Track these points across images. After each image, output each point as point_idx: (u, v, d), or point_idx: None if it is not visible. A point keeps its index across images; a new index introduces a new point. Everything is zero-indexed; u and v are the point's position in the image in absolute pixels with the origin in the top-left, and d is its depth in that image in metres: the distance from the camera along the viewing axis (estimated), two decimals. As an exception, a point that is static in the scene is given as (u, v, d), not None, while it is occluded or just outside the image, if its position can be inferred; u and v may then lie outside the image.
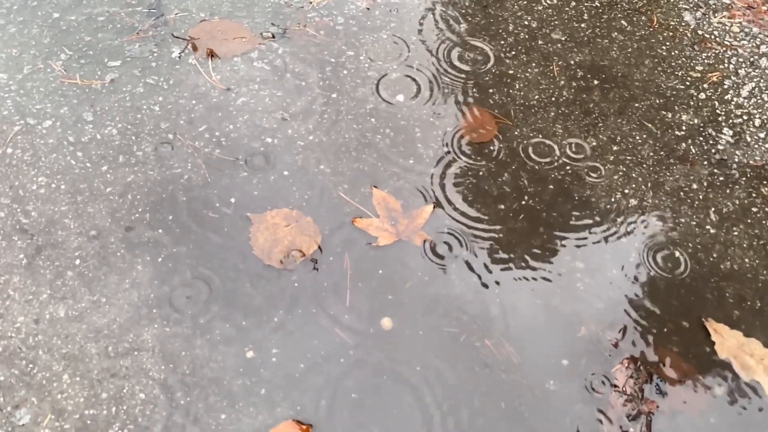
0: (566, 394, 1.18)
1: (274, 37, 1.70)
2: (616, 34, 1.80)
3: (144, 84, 1.57)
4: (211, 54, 1.65)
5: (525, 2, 1.85)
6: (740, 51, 1.78)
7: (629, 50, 1.76)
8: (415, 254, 1.34)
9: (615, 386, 1.19)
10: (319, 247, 1.33)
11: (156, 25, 1.71)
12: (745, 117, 1.63)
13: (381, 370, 1.19)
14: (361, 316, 1.25)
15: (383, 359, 1.21)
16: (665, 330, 1.27)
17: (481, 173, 1.47)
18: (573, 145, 1.52)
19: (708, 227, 1.42)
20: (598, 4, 1.88)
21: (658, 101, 1.65)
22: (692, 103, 1.65)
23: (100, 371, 1.17)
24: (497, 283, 1.31)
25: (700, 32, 1.82)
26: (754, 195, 1.48)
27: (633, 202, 1.45)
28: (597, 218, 1.42)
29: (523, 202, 1.43)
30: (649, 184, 1.48)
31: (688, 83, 1.69)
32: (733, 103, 1.66)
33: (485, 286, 1.30)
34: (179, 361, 1.19)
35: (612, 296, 1.30)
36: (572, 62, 1.71)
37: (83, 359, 1.18)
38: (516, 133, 1.55)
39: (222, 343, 1.21)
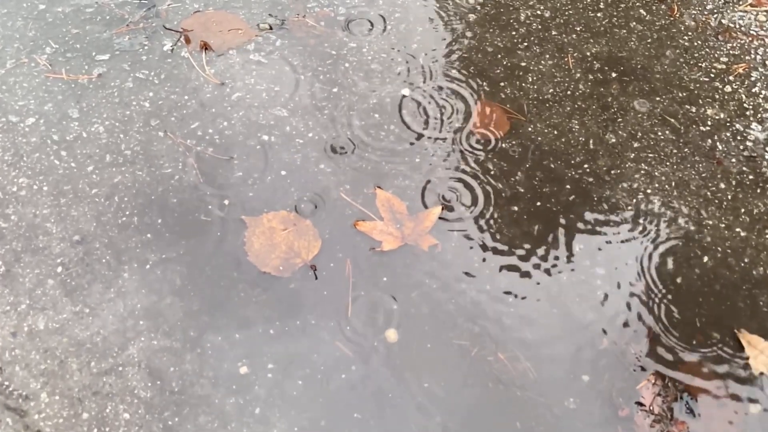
0: (587, 414, 1.09)
1: (271, 28, 1.61)
2: (634, 23, 1.69)
3: (133, 79, 1.48)
4: (205, 47, 1.55)
5: (537, -9, 1.75)
6: (767, 41, 1.68)
7: (649, 41, 1.65)
8: (423, 260, 1.24)
9: (641, 405, 1.09)
10: (319, 253, 1.24)
11: (147, 16, 1.61)
12: (774, 111, 1.53)
13: (386, 387, 1.10)
14: (364, 327, 1.16)
15: (388, 375, 1.11)
16: (694, 342, 1.17)
17: (492, 171, 1.37)
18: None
19: (738, 230, 1.32)
20: (615, -7, 1.78)
21: (680, 95, 1.54)
22: (717, 96, 1.55)
23: (82, 389, 1.08)
24: (511, 291, 1.21)
25: (723, 22, 1.72)
26: (786, 195, 1.38)
27: (656, 202, 1.35)
28: (618, 220, 1.32)
29: (539, 204, 1.33)
30: (674, 183, 1.38)
31: (712, 75, 1.59)
32: (761, 96, 1.55)
33: (498, 295, 1.20)
34: (167, 378, 1.09)
35: (636, 305, 1.20)
36: (588, 54, 1.61)
37: (63, 376, 1.09)
38: (530, 129, 1.45)
39: (213, 357, 1.12)
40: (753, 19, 1.72)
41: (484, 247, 1.26)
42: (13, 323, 1.14)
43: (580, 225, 1.31)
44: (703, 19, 1.72)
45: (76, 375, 1.09)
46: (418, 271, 1.23)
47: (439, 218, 1.29)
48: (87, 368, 1.10)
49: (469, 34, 1.63)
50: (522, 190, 1.35)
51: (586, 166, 1.40)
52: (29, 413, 1.05)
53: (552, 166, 1.39)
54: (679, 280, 1.24)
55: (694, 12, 1.74)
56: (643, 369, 1.13)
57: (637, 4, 1.75)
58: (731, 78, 1.59)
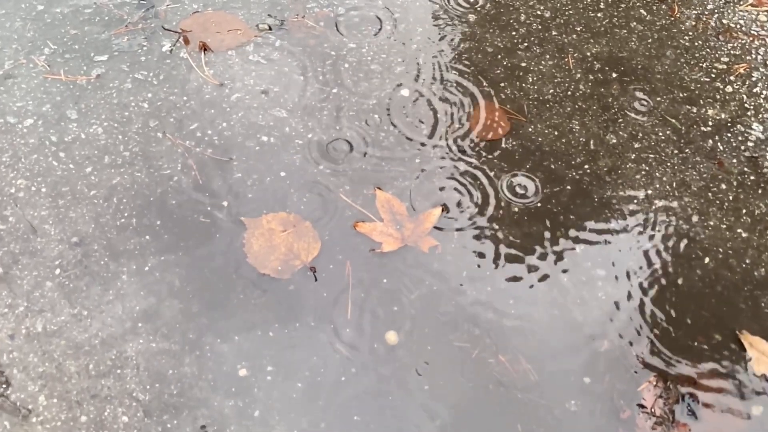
0: (589, 416, 1.08)
1: (270, 29, 1.60)
2: (634, 23, 1.69)
3: (132, 80, 1.48)
4: (204, 47, 1.55)
5: (537, -9, 1.74)
6: (768, 41, 1.67)
7: (649, 41, 1.65)
8: (423, 261, 1.23)
9: (642, 407, 1.08)
10: (319, 254, 1.23)
11: (146, 17, 1.61)
12: (775, 111, 1.52)
13: (386, 390, 1.09)
14: (364, 329, 1.15)
15: (388, 377, 1.11)
16: (696, 344, 1.16)
17: (492, 172, 1.37)
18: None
19: (740, 231, 1.31)
20: (615, -7, 1.77)
21: (681, 95, 1.54)
22: (718, 96, 1.54)
23: (80, 392, 1.07)
24: (512, 293, 1.20)
25: (724, 22, 1.71)
26: (788, 195, 1.37)
27: (657, 203, 1.34)
28: (619, 221, 1.31)
29: (539, 205, 1.32)
30: (674, 184, 1.38)
31: (713, 76, 1.58)
32: (762, 96, 1.55)
33: (499, 296, 1.20)
34: (166, 381, 1.09)
35: (637, 307, 1.20)
36: (589, 54, 1.61)
37: (61, 378, 1.08)
38: (530, 129, 1.44)
39: (212, 360, 1.11)
40: (754, 19, 1.72)
41: (484, 249, 1.26)
42: (11, 326, 1.13)
43: (581, 226, 1.30)
44: (704, 19, 1.71)
45: (74, 378, 1.08)
46: (419, 272, 1.22)
47: (439, 220, 1.29)
48: (85, 371, 1.09)
49: (469, 34, 1.63)
50: (522, 191, 1.34)
51: (586, 166, 1.39)
52: (27, 417, 1.04)
53: (552, 166, 1.38)
54: (680, 281, 1.24)
55: (694, 12, 1.73)
56: (644, 371, 1.12)
57: (638, 4, 1.74)
58: (732, 78, 1.58)
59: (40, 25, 1.57)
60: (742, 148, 1.45)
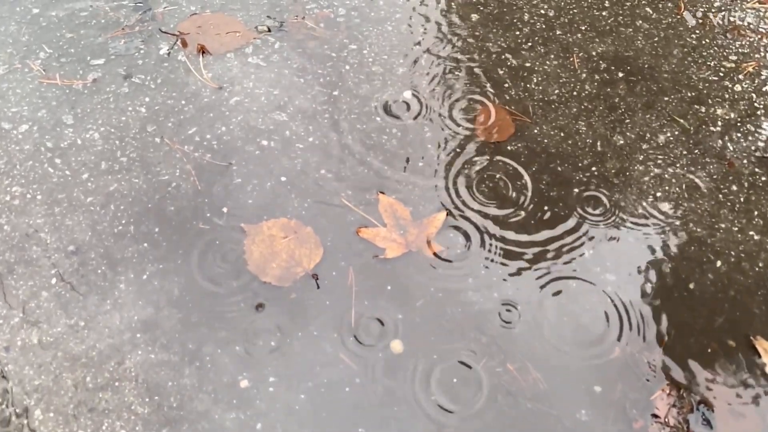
0: (600, 426, 1.05)
1: (270, 30, 1.57)
2: (640, 22, 1.65)
3: (129, 83, 1.45)
4: (203, 50, 1.52)
5: (541, -11, 1.71)
6: (776, 38, 1.64)
7: (656, 39, 1.62)
8: (427, 267, 1.20)
9: (655, 416, 1.05)
10: (321, 261, 1.20)
11: (143, 19, 1.58)
12: (786, 110, 1.49)
13: (391, 401, 1.06)
14: (368, 338, 1.12)
15: (394, 388, 1.08)
16: (709, 350, 1.13)
17: (498, 176, 1.34)
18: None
19: (752, 233, 1.28)
20: (620, -9, 1.74)
21: (689, 94, 1.51)
22: (727, 95, 1.51)
23: (77, 405, 1.04)
24: (519, 299, 1.17)
25: (731, 19, 1.68)
26: (800, 196, 1.34)
27: (666, 206, 1.31)
28: (627, 225, 1.28)
29: (546, 208, 1.29)
30: (684, 186, 1.35)
31: (721, 74, 1.55)
32: (772, 95, 1.52)
33: (506, 303, 1.17)
34: (165, 393, 1.06)
35: (648, 312, 1.17)
36: (594, 53, 1.57)
37: (58, 392, 1.05)
38: (535, 131, 1.41)
39: (213, 371, 1.08)
40: (761, 16, 1.69)
41: (490, 254, 1.23)
42: (6, 337, 1.10)
43: (589, 230, 1.27)
44: (711, 16, 1.68)
45: (71, 391, 1.05)
46: (423, 279, 1.19)
47: (444, 224, 1.26)
48: (82, 384, 1.06)
49: (471, 34, 1.60)
50: (530, 194, 1.31)
51: (594, 168, 1.36)
52: (23, 431, 1.01)
53: (559, 169, 1.35)
54: (691, 285, 1.21)
55: (701, 9, 1.70)
56: (657, 379, 1.09)
57: (643, 1, 1.71)
58: (741, 77, 1.55)
59: (36, 28, 1.54)
60: (753, 148, 1.42)
